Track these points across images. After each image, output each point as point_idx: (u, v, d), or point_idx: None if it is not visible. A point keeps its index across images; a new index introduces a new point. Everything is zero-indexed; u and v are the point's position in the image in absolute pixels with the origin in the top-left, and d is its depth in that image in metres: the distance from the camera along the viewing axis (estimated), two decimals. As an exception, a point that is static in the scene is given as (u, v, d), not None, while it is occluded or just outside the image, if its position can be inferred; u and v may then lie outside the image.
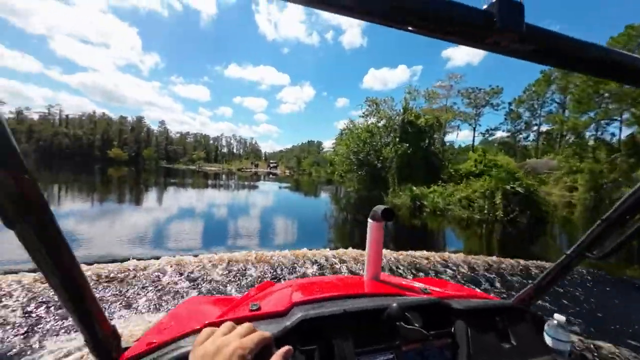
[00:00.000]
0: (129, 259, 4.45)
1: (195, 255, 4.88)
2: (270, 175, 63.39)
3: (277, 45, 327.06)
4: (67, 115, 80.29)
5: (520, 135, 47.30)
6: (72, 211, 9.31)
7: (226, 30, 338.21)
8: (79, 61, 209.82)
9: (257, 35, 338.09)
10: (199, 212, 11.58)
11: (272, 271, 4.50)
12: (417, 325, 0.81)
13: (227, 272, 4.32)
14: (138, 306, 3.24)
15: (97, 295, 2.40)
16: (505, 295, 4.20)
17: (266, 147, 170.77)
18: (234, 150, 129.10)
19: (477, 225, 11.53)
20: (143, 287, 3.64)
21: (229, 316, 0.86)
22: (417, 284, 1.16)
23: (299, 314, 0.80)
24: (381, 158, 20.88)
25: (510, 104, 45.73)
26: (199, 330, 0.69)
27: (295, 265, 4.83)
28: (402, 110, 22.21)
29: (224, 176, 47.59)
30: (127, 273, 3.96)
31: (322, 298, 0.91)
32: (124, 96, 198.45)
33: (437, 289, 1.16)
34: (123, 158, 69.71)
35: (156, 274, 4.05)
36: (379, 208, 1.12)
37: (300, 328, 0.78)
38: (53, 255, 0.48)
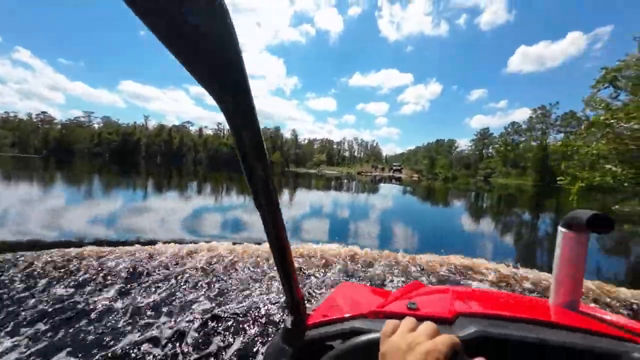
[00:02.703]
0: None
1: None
2: (393, 180, 55.40)
3: (399, 45, 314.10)
4: (228, 130, 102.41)
5: None
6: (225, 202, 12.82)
7: (351, 42, 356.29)
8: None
9: (379, 40, 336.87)
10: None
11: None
12: None
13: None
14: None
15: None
16: None
17: (387, 150, 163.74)
18: (355, 154, 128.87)
19: None
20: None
21: (388, 309, 0.83)
22: None
23: (471, 327, 0.69)
24: None
25: None
26: (365, 315, 0.81)
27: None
28: None
29: (344, 181, 44.24)
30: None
31: (496, 315, 0.75)
32: (272, 114, 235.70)
33: None
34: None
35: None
36: (584, 213, 0.79)
37: (469, 344, 0.66)
38: (278, 233, 0.63)
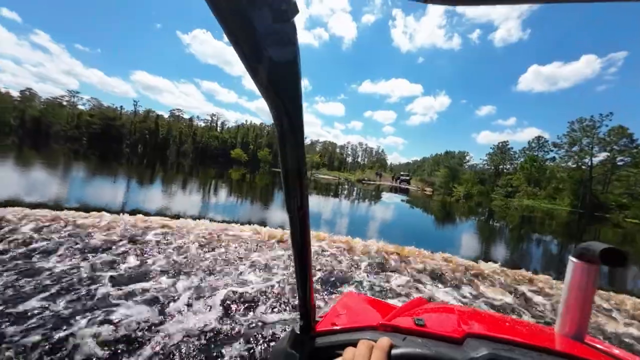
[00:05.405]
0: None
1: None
2: (399, 191, 47.89)
3: (411, 56, 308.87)
4: (222, 123, 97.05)
5: None
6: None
7: (363, 50, 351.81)
8: (257, 92, 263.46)
9: (391, 49, 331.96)
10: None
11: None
12: None
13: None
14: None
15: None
16: None
17: (391, 159, 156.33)
18: (359, 160, 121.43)
19: None
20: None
21: (396, 323, 0.84)
22: None
23: (482, 349, 0.68)
24: None
25: None
26: (375, 327, 0.83)
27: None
28: None
29: (345, 187, 36.89)
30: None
31: (506, 339, 0.74)
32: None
33: None
34: (243, 159, 75.41)
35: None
36: (598, 245, 0.78)
37: None
38: (304, 239, 0.64)
